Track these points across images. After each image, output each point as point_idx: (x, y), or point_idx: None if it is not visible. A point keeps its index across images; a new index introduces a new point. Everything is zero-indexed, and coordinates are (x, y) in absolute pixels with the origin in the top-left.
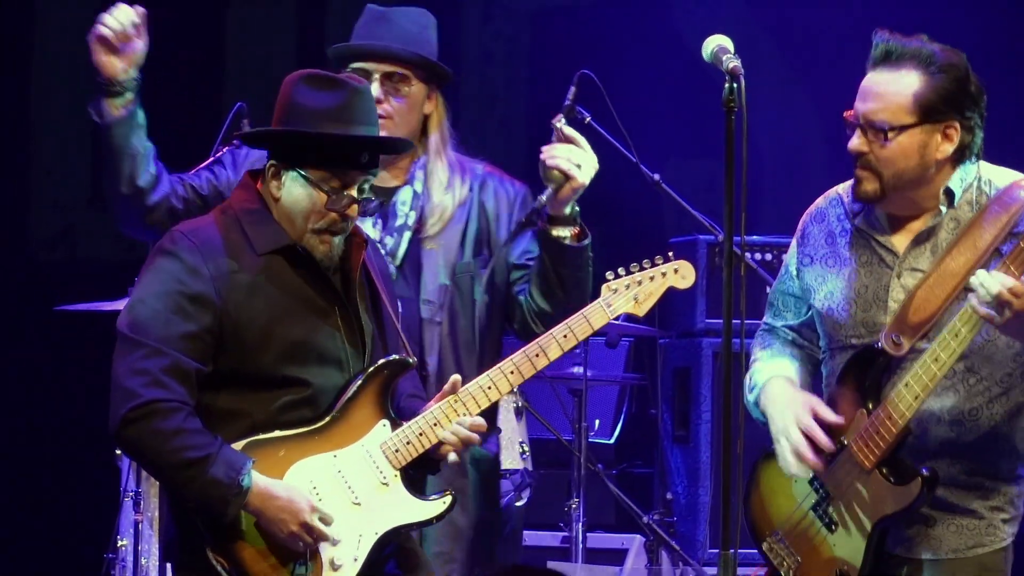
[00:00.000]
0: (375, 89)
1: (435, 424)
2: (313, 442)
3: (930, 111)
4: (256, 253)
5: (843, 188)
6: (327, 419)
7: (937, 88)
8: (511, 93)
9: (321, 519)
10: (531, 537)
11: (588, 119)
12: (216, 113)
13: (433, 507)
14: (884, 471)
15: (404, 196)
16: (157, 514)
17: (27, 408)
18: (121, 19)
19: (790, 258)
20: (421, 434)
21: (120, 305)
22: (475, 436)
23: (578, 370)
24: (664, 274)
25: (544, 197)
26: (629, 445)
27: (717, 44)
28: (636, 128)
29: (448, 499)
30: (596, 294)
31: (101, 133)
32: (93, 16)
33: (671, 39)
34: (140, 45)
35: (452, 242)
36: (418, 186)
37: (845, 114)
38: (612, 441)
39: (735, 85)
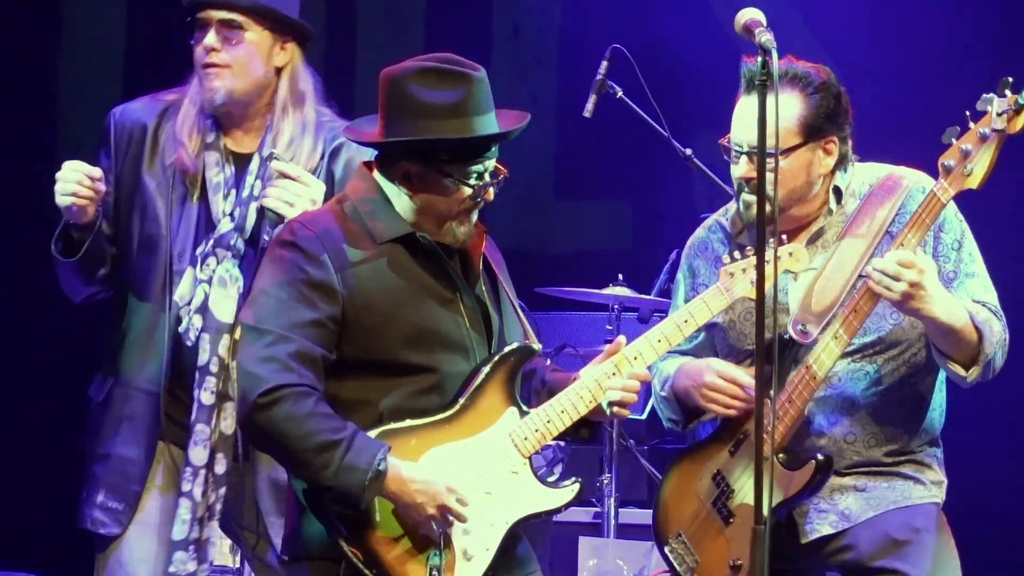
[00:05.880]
0: (211, 38)
1: (562, 411)
2: (444, 431)
3: (813, 130)
4: (375, 242)
5: (720, 215)
6: (456, 407)
7: (817, 108)
8: (542, 69)
9: (458, 500)
10: (562, 513)
11: (620, 93)
12: None
13: (562, 495)
14: (780, 457)
15: (253, 164)
16: None
17: (60, 391)
18: (87, 178)
19: (679, 290)
20: (549, 421)
21: None
22: (630, 395)
23: None
24: (779, 257)
25: None
26: (661, 420)
27: (749, 17)
28: (667, 102)
29: (576, 486)
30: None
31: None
32: None
33: (703, 12)
34: (101, 185)
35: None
36: (266, 151)
37: (721, 141)
38: (644, 416)
39: (766, 59)
